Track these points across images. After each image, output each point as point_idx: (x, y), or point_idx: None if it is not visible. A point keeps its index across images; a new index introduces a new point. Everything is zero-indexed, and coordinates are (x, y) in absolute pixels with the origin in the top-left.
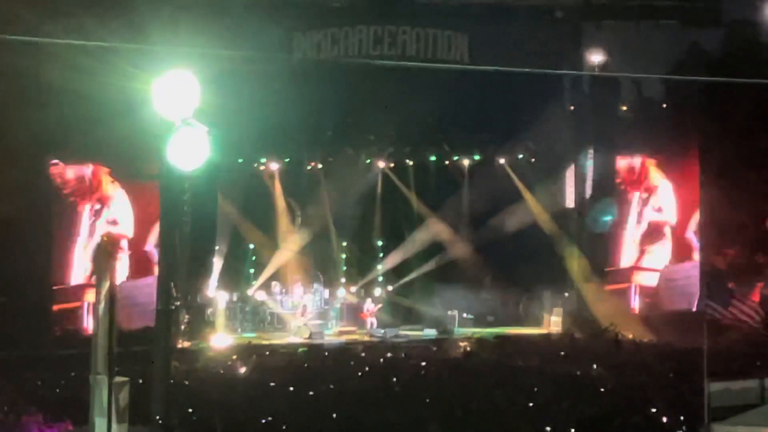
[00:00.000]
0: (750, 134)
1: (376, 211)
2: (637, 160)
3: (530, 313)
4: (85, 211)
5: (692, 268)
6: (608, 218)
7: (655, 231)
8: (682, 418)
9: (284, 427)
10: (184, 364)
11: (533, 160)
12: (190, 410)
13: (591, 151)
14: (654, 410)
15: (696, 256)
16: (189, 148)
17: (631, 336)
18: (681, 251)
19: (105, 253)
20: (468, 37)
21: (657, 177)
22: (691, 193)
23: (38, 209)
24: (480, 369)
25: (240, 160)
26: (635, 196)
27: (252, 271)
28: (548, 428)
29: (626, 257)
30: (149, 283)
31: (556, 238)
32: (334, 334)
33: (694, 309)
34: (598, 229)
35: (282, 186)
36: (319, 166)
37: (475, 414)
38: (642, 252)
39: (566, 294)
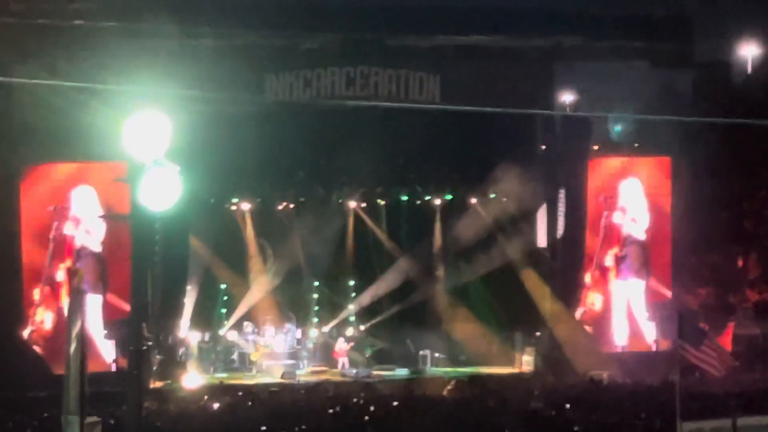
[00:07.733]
0: (721, 174)
1: (347, 250)
2: None
3: (502, 353)
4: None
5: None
6: None
7: None
8: None
9: None
10: (155, 404)
11: (505, 199)
12: None
13: (562, 190)
14: None
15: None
16: (161, 188)
17: (603, 375)
18: None
19: (76, 292)
20: (440, 78)
21: None
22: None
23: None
24: (452, 408)
25: (212, 201)
26: None
27: (224, 311)
28: None
29: None
30: None
31: (528, 277)
32: (306, 373)
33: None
34: None
35: (254, 226)
36: (291, 206)
37: None
38: None
39: (538, 333)
